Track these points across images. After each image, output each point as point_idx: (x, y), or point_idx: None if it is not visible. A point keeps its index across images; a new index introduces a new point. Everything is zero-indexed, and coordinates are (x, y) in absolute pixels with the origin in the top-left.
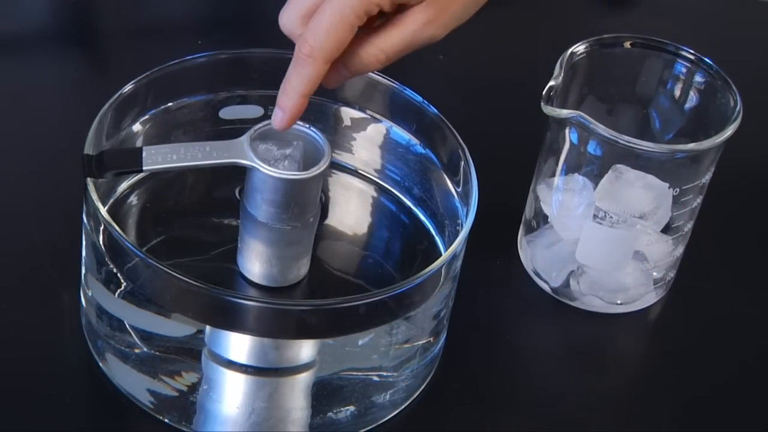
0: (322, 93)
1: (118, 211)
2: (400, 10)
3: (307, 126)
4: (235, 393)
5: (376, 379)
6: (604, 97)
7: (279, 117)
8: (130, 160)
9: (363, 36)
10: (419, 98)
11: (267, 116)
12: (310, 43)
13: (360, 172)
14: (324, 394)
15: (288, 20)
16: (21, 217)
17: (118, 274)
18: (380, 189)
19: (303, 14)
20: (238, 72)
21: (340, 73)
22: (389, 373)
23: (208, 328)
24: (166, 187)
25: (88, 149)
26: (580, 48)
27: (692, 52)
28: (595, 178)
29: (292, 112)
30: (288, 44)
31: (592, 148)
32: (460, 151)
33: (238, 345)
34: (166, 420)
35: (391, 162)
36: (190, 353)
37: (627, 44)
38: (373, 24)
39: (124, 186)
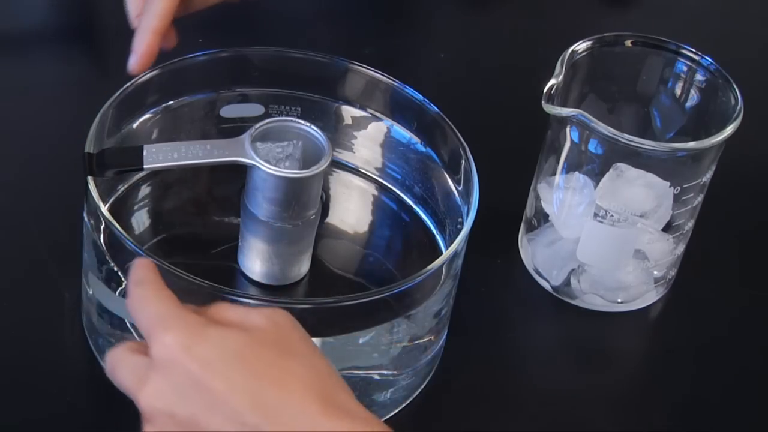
0: (322, 92)
1: (118, 209)
2: None
3: (308, 124)
4: None
5: (376, 377)
6: (605, 95)
7: (131, 60)
8: (131, 158)
9: None
10: (420, 97)
11: (268, 114)
12: None
13: (361, 170)
14: None
15: None
16: (21, 216)
17: (119, 273)
18: (381, 187)
19: None
20: (239, 70)
21: None
22: (390, 372)
23: None
24: (167, 186)
25: (89, 147)
26: (581, 46)
27: (693, 50)
28: (596, 176)
29: (145, 51)
30: (289, 43)
31: (592, 146)
32: (460, 149)
33: None
34: None
35: (391, 160)
36: None
37: (628, 43)
38: None
39: (125, 184)
